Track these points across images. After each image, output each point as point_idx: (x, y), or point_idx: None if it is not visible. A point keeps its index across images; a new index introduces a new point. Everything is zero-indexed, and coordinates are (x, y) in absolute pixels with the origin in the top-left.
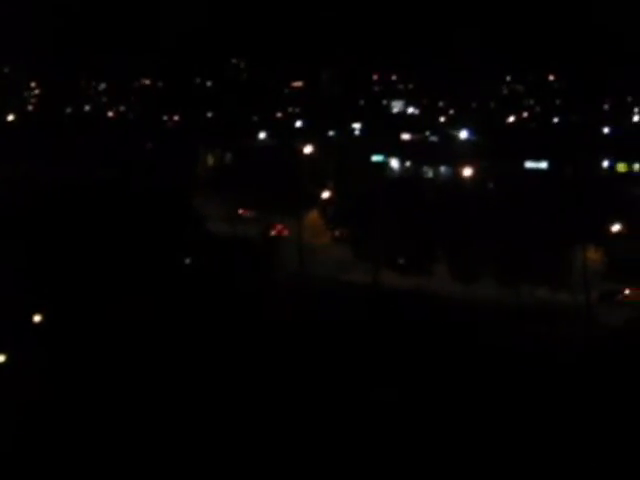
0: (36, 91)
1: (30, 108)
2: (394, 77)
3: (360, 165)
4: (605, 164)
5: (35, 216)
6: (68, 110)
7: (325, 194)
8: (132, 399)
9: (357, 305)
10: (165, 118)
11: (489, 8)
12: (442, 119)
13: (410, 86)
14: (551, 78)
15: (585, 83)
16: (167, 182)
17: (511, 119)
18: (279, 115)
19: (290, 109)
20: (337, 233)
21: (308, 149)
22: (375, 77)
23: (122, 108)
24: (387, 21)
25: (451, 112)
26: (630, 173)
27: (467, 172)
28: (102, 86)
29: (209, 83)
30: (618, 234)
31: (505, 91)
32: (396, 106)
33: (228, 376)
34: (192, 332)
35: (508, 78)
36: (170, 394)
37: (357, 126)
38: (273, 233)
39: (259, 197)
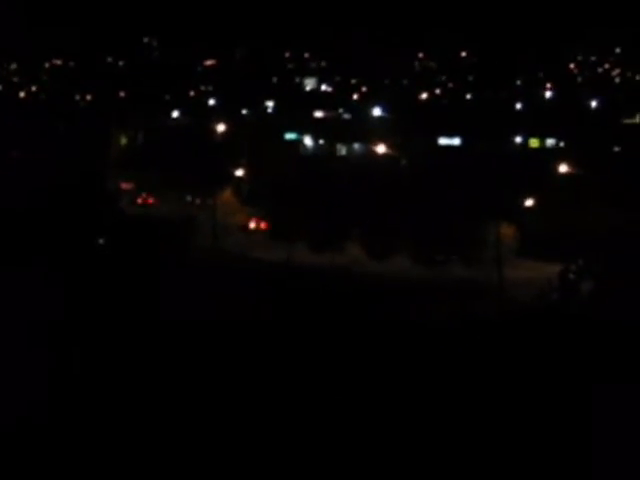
0: None
1: None
2: (307, 55)
3: (274, 143)
4: (518, 140)
5: None
6: None
7: (239, 172)
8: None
9: (268, 282)
10: (77, 98)
11: None
12: (355, 96)
13: (323, 63)
14: (463, 54)
15: (497, 59)
16: (80, 162)
17: (424, 96)
18: (192, 94)
19: (203, 87)
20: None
21: (221, 127)
22: (288, 55)
23: (33, 88)
24: None
25: (364, 89)
26: (542, 148)
27: (381, 149)
28: (13, 66)
29: (121, 62)
30: (531, 209)
31: (418, 68)
32: (309, 84)
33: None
34: (108, 310)
35: (420, 55)
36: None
37: (270, 104)
38: (139, 202)
39: (172, 176)
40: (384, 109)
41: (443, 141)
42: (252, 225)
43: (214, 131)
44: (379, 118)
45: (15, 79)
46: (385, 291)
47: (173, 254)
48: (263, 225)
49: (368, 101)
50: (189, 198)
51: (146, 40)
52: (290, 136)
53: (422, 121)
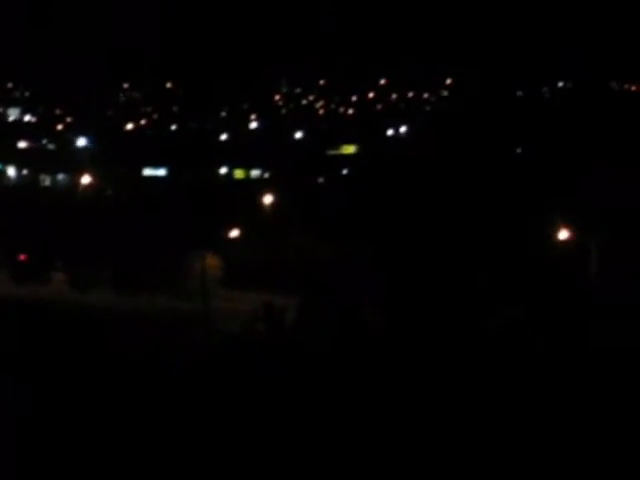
0: None
1: None
2: (10, 84)
3: None
4: (223, 170)
5: None
6: None
7: None
8: None
9: None
10: None
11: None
12: (60, 127)
13: (26, 93)
14: (168, 85)
15: (202, 90)
16: None
17: (129, 126)
18: None
19: None
20: None
21: None
22: None
23: None
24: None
25: (69, 120)
26: (247, 179)
27: (85, 180)
28: None
29: None
30: (236, 240)
31: (122, 98)
32: (12, 114)
33: None
34: None
35: (125, 85)
36: None
37: None
38: None
39: None
40: (89, 139)
41: (148, 172)
42: None
43: None
44: (84, 148)
45: None
46: (88, 322)
47: None
48: None
49: (73, 131)
50: None
51: None
52: None
53: (127, 152)
